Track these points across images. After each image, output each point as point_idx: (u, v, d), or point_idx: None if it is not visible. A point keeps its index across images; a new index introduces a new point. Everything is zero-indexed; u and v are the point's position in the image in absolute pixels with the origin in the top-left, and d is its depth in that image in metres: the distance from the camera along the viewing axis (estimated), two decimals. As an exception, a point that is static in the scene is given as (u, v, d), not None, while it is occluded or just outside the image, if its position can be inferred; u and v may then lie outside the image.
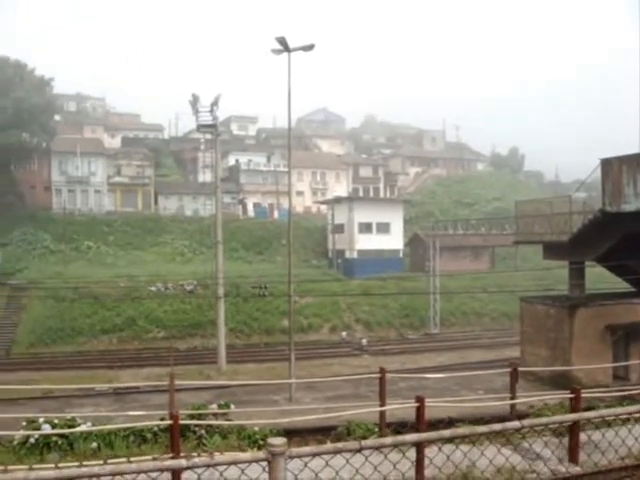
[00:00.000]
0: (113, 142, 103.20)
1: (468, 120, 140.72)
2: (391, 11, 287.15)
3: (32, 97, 73.75)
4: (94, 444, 14.16)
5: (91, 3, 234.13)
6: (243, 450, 13.16)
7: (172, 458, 9.16)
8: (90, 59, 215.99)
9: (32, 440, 14.06)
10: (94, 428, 14.69)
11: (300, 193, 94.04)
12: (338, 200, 77.47)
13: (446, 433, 5.37)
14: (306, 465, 5.10)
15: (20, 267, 64.71)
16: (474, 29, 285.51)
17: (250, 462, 4.42)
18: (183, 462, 4.41)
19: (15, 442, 14.19)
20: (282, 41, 29.51)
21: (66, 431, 14.20)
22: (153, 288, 57.86)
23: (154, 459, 9.98)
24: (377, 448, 5.00)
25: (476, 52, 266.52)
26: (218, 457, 4.42)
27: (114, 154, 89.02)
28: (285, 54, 29.79)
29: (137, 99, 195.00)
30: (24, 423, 14.92)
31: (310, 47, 30.19)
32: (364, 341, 52.44)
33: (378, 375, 16.90)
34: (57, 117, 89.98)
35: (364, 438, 13.68)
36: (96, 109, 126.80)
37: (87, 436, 14.39)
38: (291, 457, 4.34)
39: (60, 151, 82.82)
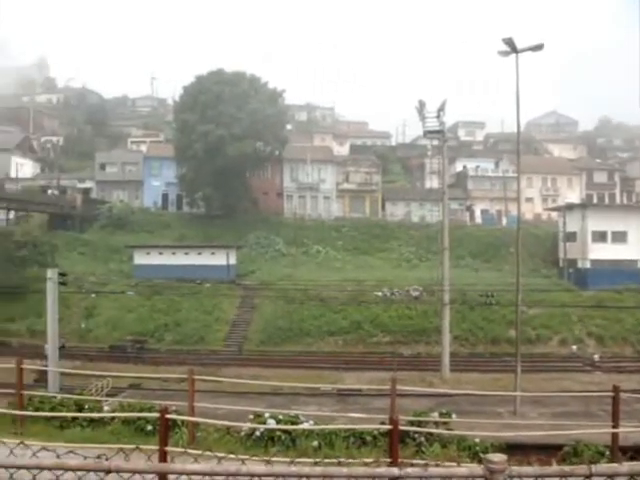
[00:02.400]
0: (342, 150, 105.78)
1: None
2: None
3: (266, 108, 77.44)
4: (315, 442, 14.21)
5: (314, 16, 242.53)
6: (462, 462, 12.60)
7: (390, 464, 8.89)
8: (317, 71, 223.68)
9: (257, 433, 14.40)
10: (316, 427, 14.77)
11: (529, 199, 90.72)
12: (570, 207, 73.82)
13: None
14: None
15: (253, 269, 68.00)
16: None
17: (466, 477, 3.97)
18: (395, 471, 4.06)
19: (242, 433, 14.58)
20: (509, 42, 28.46)
21: (289, 427, 14.39)
22: (379, 293, 58.34)
23: (372, 463, 9.73)
24: (610, 476, 4.32)
25: None
26: (432, 469, 4.02)
27: (343, 161, 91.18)
28: (513, 56, 28.69)
29: (365, 107, 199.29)
30: (251, 416, 15.30)
31: (539, 47, 28.82)
32: (596, 357, 49.37)
33: (611, 393, 15.56)
34: (289, 127, 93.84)
35: (593, 462, 12.58)
36: (325, 118, 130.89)
37: (309, 434, 14.49)
38: (511, 477, 3.83)
39: (291, 159, 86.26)
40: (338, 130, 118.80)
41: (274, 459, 8.19)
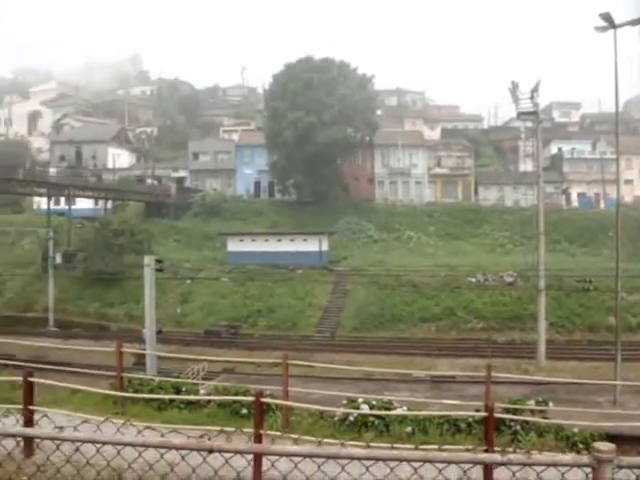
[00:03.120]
0: (433, 134, 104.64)
1: None
2: None
3: (355, 94, 77.28)
4: (409, 428, 14.11)
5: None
6: (561, 451, 12.26)
7: (485, 451, 8.71)
8: (407, 55, 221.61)
9: (351, 418, 14.40)
10: (409, 413, 14.66)
11: (628, 182, 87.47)
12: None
13: None
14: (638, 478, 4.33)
15: (345, 255, 68.10)
16: None
17: (571, 466, 3.81)
18: (497, 457, 3.93)
19: (336, 418, 14.61)
20: (607, 17, 27.29)
21: (383, 413, 14.31)
22: (472, 279, 57.54)
23: (467, 450, 9.57)
24: None
25: None
26: (536, 456, 3.88)
27: (434, 146, 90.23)
28: (610, 32, 27.53)
29: (456, 90, 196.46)
30: (345, 401, 15.32)
31: (638, 21, 27.51)
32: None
33: None
34: (379, 112, 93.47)
35: None
36: (416, 102, 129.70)
37: (402, 420, 14.40)
38: (620, 467, 3.65)
39: (382, 144, 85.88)
40: (429, 114, 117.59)
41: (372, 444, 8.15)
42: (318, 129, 73.49)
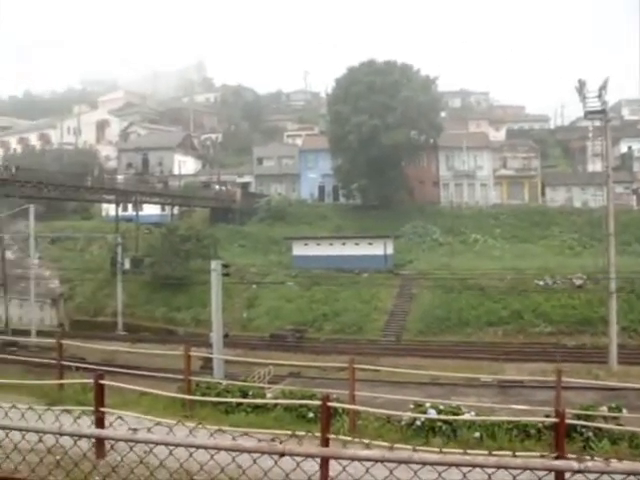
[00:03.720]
0: (498, 135, 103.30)
1: None
2: None
3: (419, 96, 76.78)
4: (477, 434, 13.93)
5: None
6: (637, 460, 11.89)
7: (557, 458, 8.51)
8: (471, 56, 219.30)
9: (418, 423, 14.28)
10: (478, 418, 14.47)
11: None
12: None
13: None
14: None
15: (411, 258, 67.63)
16: None
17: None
18: (574, 464, 3.80)
19: (403, 423, 14.52)
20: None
21: (450, 418, 14.16)
22: (540, 282, 56.49)
23: (541, 457, 9.38)
24: None
25: None
26: (615, 464, 3.74)
27: (499, 147, 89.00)
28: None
29: (521, 90, 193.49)
30: (411, 406, 15.19)
31: None
32: None
33: None
34: (443, 114, 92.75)
35: None
36: (480, 103, 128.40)
37: (470, 425, 14.22)
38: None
39: (446, 146, 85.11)
40: (494, 115, 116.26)
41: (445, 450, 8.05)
42: (382, 132, 73.24)
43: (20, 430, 4.82)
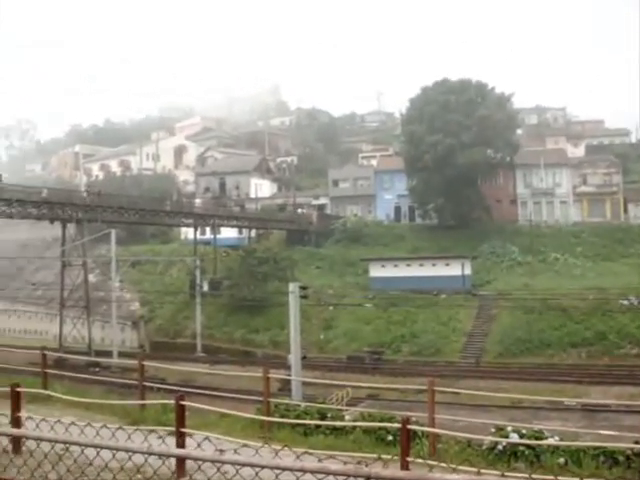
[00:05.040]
0: (577, 151, 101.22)
1: None
2: None
3: (494, 114, 75.99)
4: (561, 459, 13.51)
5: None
6: None
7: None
8: (549, 70, 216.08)
9: (500, 447, 13.96)
10: (562, 443, 14.05)
11: None
12: None
13: None
14: None
15: (489, 279, 66.68)
16: None
17: None
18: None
19: (484, 447, 14.23)
20: None
21: (533, 442, 13.80)
22: (625, 301, 54.72)
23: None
24: None
25: None
26: None
27: (578, 163, 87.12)
28: None
29: (599, 104, 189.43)
30: (493, 429, 14.89)
31: None
32: None
33: None
34: (519, 131, 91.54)
35: None
36: (557, 119, 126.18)
37: (554, 450, 13.82)
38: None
39: (524, 164, 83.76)
40: (572, 131, 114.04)
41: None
42: (457, 151, 72.74)
43: (110, 449, 4.90)
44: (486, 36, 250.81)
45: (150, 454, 4.71)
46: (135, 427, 8.21)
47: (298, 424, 13.84)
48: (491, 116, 75.42)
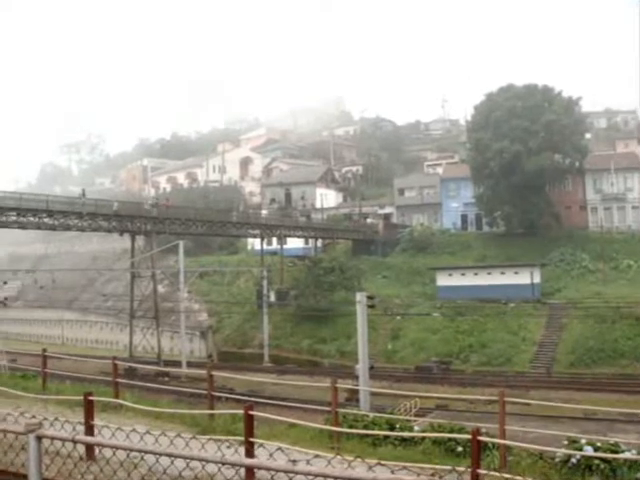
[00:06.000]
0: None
1: None
2: None
3: (561, 119, 74.63)
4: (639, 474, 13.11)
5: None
6: None
7: None
8: (617, 72, 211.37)
9: (573, 460, 13.63)
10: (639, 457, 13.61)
11: None
12: None
13: None
14: None
15: (559, 287, 65.39)
16: None
17: None
18: None
19: (557, 459, 13.93)
20: None
21: (609, 456, 13.41)
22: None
23: None
24: None
25: None
26: None
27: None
28: None
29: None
30: (565, 442, 14.55)
31: None
32: None
33: None
34: (588, 135, 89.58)
35: None
36: (628, 122, 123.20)
37: (632, 464, 13.40)
38: None
39: (593, 169, 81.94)
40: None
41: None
42: (524, 157, 71.64)
43: (184, 458, 4.96)
44: (553, 40, 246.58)
45: (223, 464, 4.74)
46: (208, 437, 8.31)
47: (367, 434, 13.77)
48: (558, 121, 74.10)
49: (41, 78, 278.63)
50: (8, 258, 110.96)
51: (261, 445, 9.16)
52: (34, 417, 7.14)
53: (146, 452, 5.12)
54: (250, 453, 8.95)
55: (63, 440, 5.63)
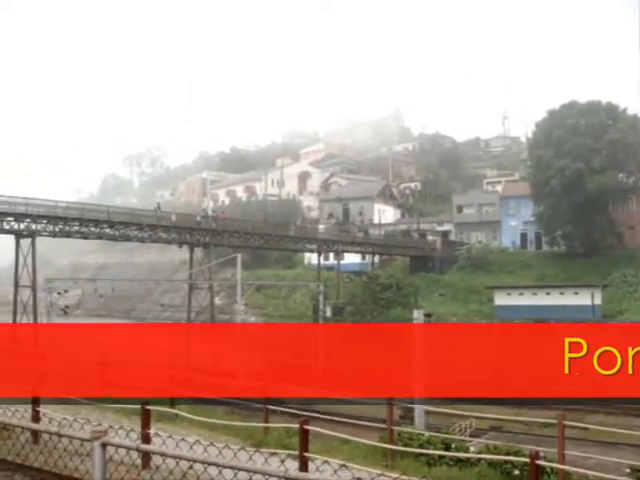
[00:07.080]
0: None
1: None
2: None
3: (626, 137, 73.21)
4: None
5: None
6: None
7: None
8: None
9: (635, 488, 13.25)
10: None
11: None
12: None
13: None
14: None
15: (621, 309, 63.89)
16: None
17: None
18: None
19: (618, 488, 13.53)
20: None
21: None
22: None
23: None
24: None
25: None
26: None
27: None
28: None
29: None
30: (628, 470, 14.17)
31: None
32: None
33: None
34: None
35: None
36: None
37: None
38: None
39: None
40: None
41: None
42: (587, 176, 70.45)
43: (232, 469, 4.98)
44: (620, 56, 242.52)
45: (270, 475, 4.74)
46: (255, 449, 8.31)
47: (421, 453, 13.62)
48: (623, 139, 72.72)
49: (105, 89, 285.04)
50: (70, 267, 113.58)
51: (309, 459, 9.14)
52: (100, 424, 7.25)
53: (196, 461, 5.15)
54: (304, 467, 8.93)
55: (127, 448, 5.71)
